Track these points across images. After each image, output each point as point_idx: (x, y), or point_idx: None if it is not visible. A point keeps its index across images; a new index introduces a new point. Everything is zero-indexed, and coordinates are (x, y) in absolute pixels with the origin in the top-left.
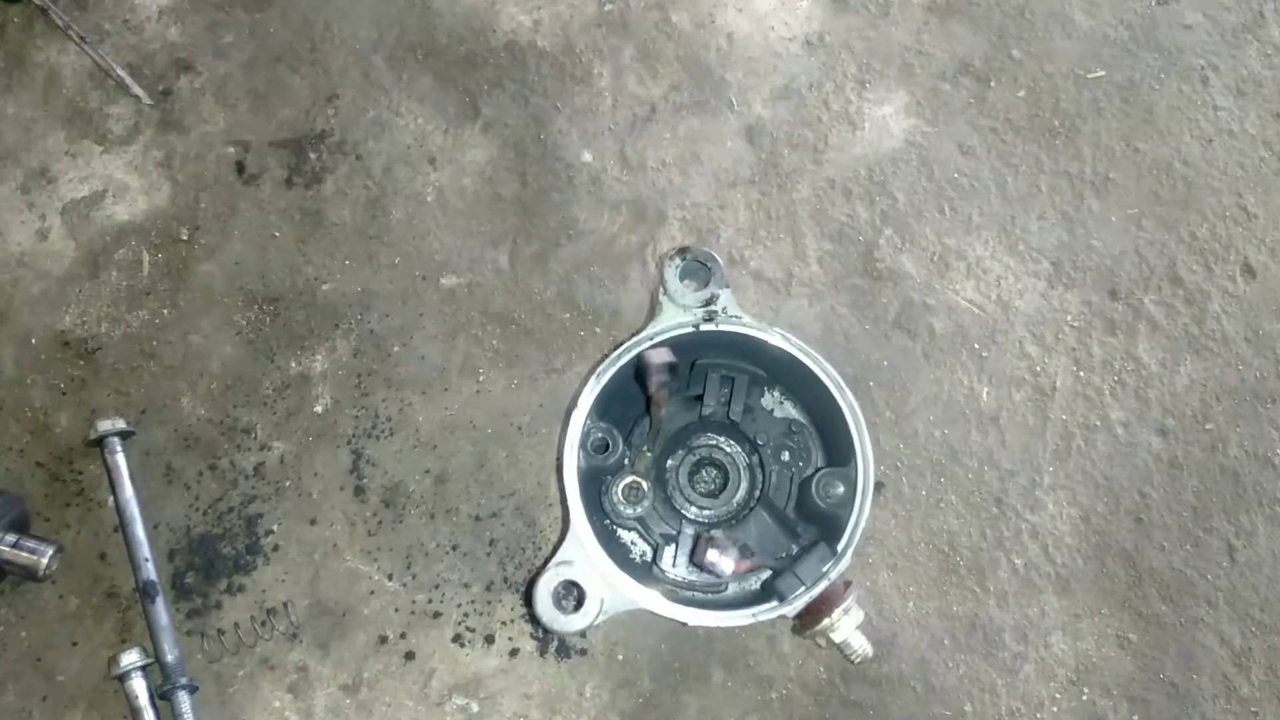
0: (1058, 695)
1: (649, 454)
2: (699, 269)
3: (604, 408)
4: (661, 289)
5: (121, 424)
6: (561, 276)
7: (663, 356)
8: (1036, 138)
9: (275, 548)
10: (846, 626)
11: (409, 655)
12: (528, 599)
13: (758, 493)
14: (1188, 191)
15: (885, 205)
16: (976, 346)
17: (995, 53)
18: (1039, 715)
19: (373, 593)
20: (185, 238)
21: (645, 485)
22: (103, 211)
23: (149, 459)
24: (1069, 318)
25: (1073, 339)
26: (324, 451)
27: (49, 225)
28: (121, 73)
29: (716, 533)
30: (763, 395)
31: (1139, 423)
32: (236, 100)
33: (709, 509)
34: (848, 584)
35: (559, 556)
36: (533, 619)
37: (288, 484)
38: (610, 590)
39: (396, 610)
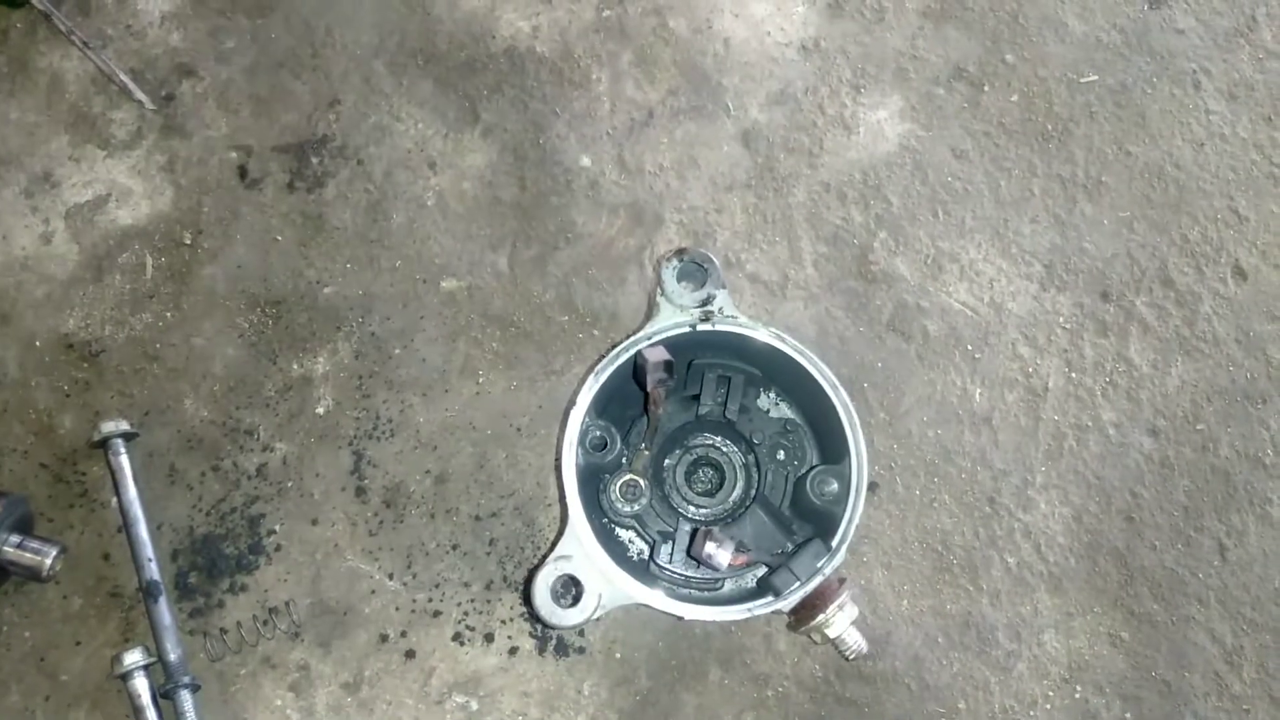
0: (1050, 693)
1: (646, 452)
2: (696, 270)
3: (602, 407)
4: (659, 290)
5: (125, 425)
6: (560, 279)
7: (660, 355)
8: (1029, 141)
9: (277, 548)
10: (841, 622)
11: (409, 654)
12: (526, 595)
13: (754, 491)
14: (1179, 194)
15: (880, 209)
16: (969, 348)
17: (989, 57)
18: (1032, 713)
19: (374, 592)
20: (188, 241)
21: (643, 483)
22: (106, 215)
23: (152, 460)
24: (1061, 319)
25: (1065, 340)
26: (326, 452)
27: (53, 229)
28: (124, 78)
29: (714, 528)
30: (759, 395)
31: (1130, 423)
32: (239, 105)
33: (705, 507)
34: (842, 580)
35: (557, 552)
36: (531, 615)
37: (290, 484)
38: (608, 585)
39: (397, 609)
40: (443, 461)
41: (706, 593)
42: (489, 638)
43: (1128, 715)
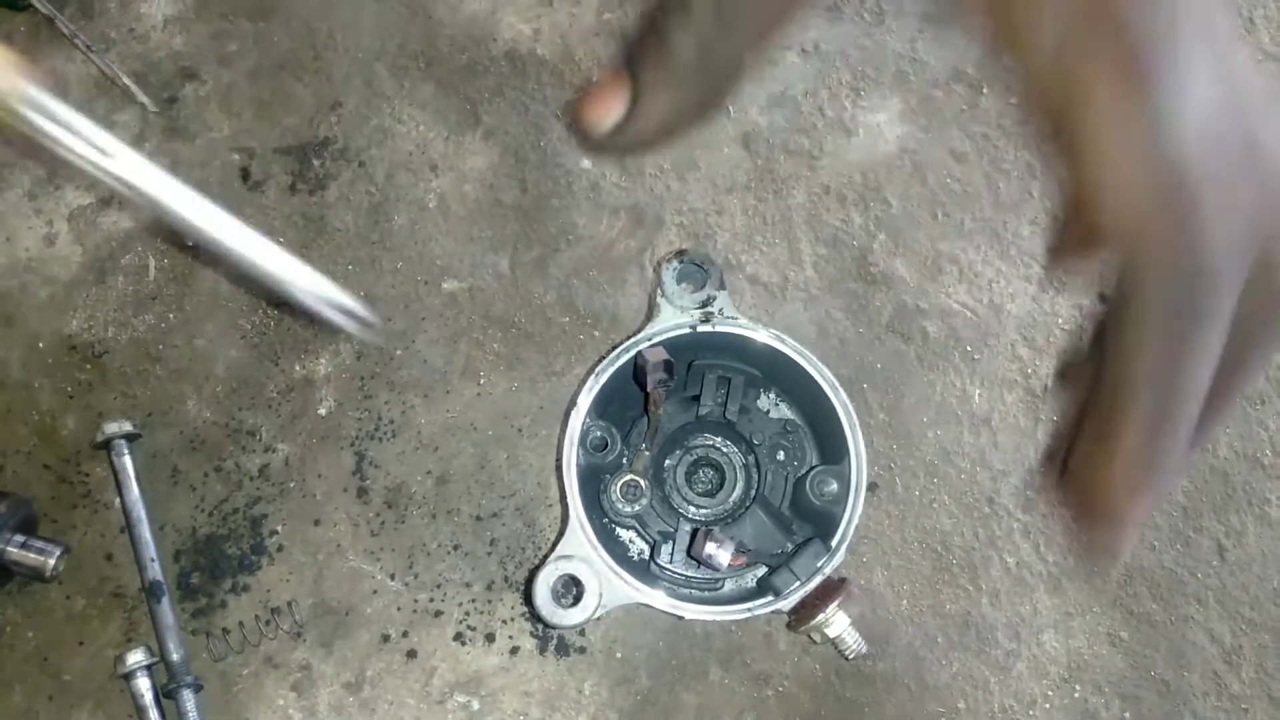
0: (1050, 693)
1: (647, 453)
2: (696, 271)
3: (603, 407)
4: (659, 291)
5: (128, 427)
6: (561, 281)
7: (659, 355)
8: (1028, 144)
9: (279, 548)
10: (840, 622)
11: (411, 654)
12: (527, 594)
13: (754, 491)
14: None
15: (879, 211)
16: (969, 349)
17: (987, 60)
18: (1031, 712)
19: (375, 592)
20: (191, 243)
21: (643, 483)
22: (109, 218)
23: (155, 461)
24: (1060, 320)
25: (1064, 341)
26: (327, 453)
27: (56, 231)
28: (127, 81)
29: (714, 528)
30: (759, 396)
31: None
32: (241, 108)
33: (706, 508)
34: (842, 580)
35: (558, 551)
36: (532, 614)
37: (292, 485)
38: (608, 585)
39: (399, 609)
40: (444, 462)
41: (707, 592)
42: (490, 638)
43: (1127, 715)
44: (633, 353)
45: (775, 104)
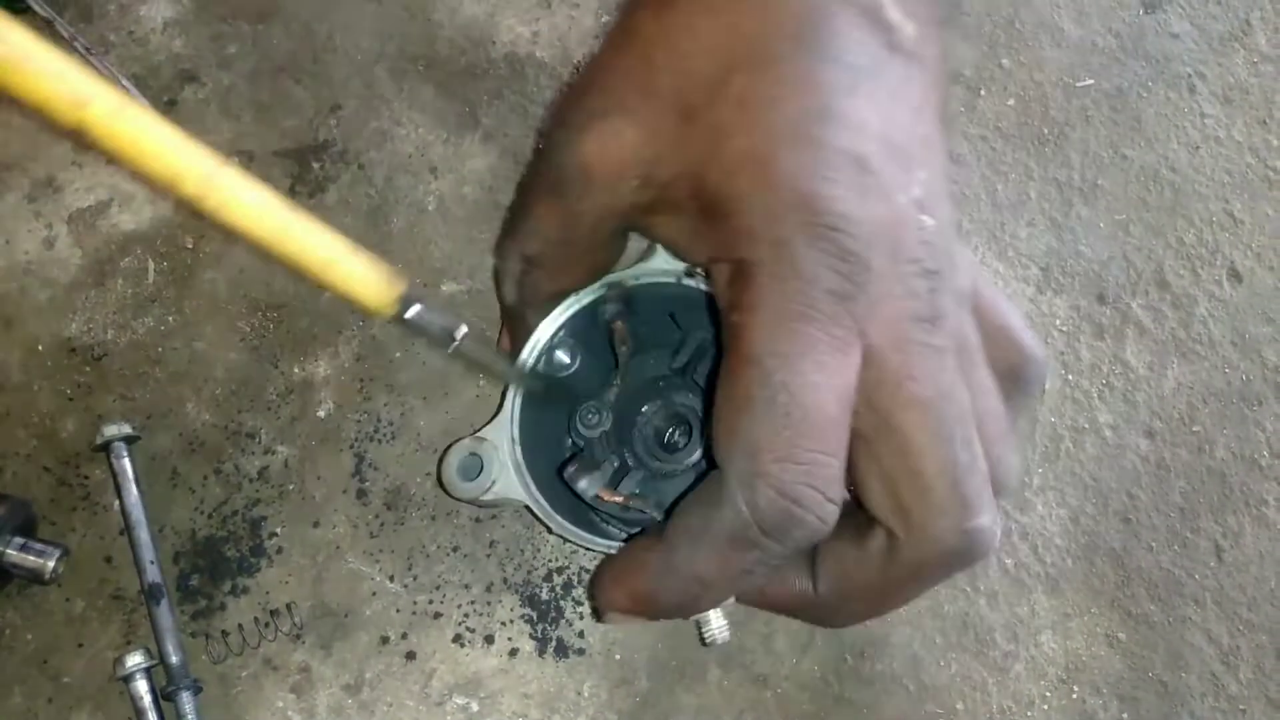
0: (1048, 694)
1: (615, 386)
2: None
3: (584, 337)
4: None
5: (127, 429)
6: None
7: (621, 289)
8: (1026, 145)
9: (279, 550)
10: None
11: (410, 655)
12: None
13: (705, 460)
14: (1175, 198)
15: None
16: None
17: (985, 62)
18: (1030, 713)
19: (374, 594)
20: (190, 246)
21: (604, 413)
22: (108, 220)
23: (154, 463)
24: (1058, 322)
25: (1061, 343)
26: (327, 455)
27: (55, 234)
28: (126, 84)
29: (603, 462)
30: None
31: (1127, 425)
32: (240, 111)
33: (663, 461)
34: None
35: (482, 431)
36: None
37: (291, 487)
38: (505, 476)
39: (398, 611)
40: None
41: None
42: (489, 639)
43: (1125, 716)
44: (611, 280)
45: None
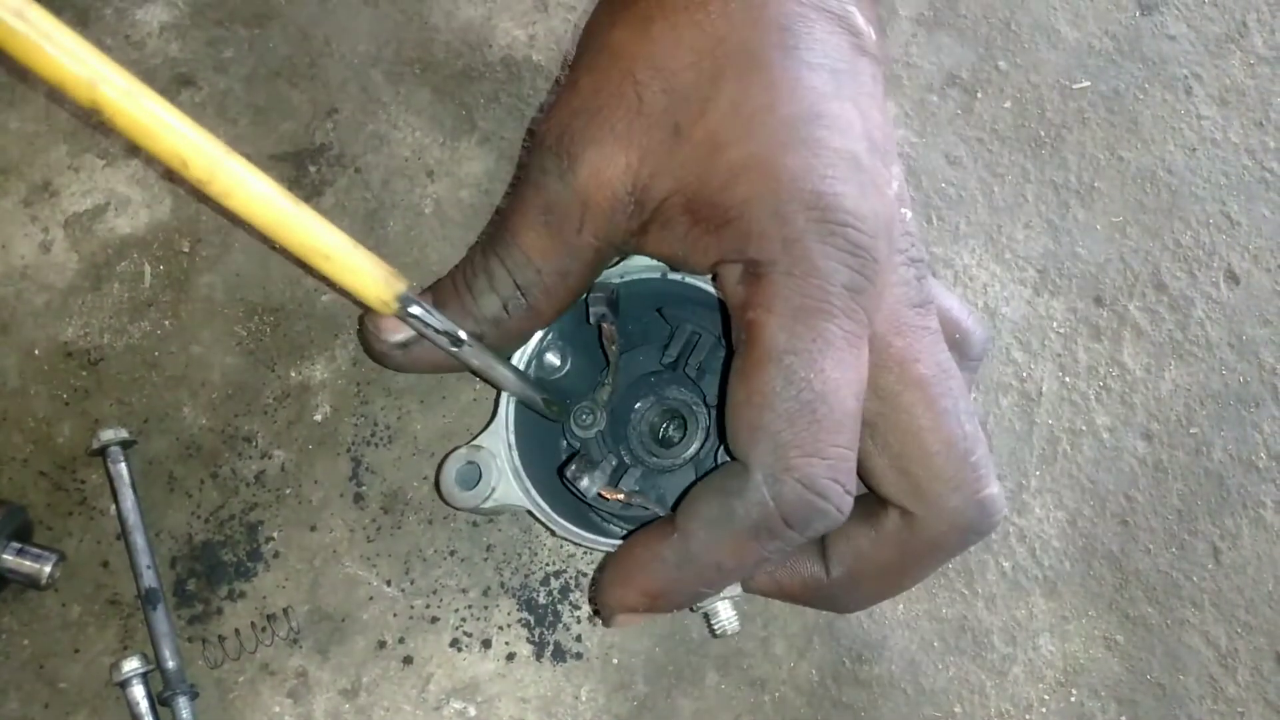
0: (1046, 696)
1: (607, 385)
2: None
3: (573, 337)
4: None
5: (124, 434)
6: None
7: (605, 288)
8: (1022, 148)
9: (276, 554)
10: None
11: (407, 660)
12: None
13: (702, 453)
14: (1172, 199)
15: None
16: None
17: (982, 64)
18: (1028, 717)
19: (371, 598)
20: (186, 250)
21: (598, 413)
22: (105, 224)
23: (151, 468)
24: (1055, 324)
25: (1058, 345)
26: (324, 459)
27: (52, 238)
28: None
29: (602, 462)
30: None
31: (1124, 427)
32: (237, 115)
33: (659, 457)
34: None
35: (478, 440)
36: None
37: (288, 491)
38: (504, 482)
39: (395, 615)
40: None
41: (612, 524)
42: (486, 643)
43: (1123, 718)
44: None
45: None
